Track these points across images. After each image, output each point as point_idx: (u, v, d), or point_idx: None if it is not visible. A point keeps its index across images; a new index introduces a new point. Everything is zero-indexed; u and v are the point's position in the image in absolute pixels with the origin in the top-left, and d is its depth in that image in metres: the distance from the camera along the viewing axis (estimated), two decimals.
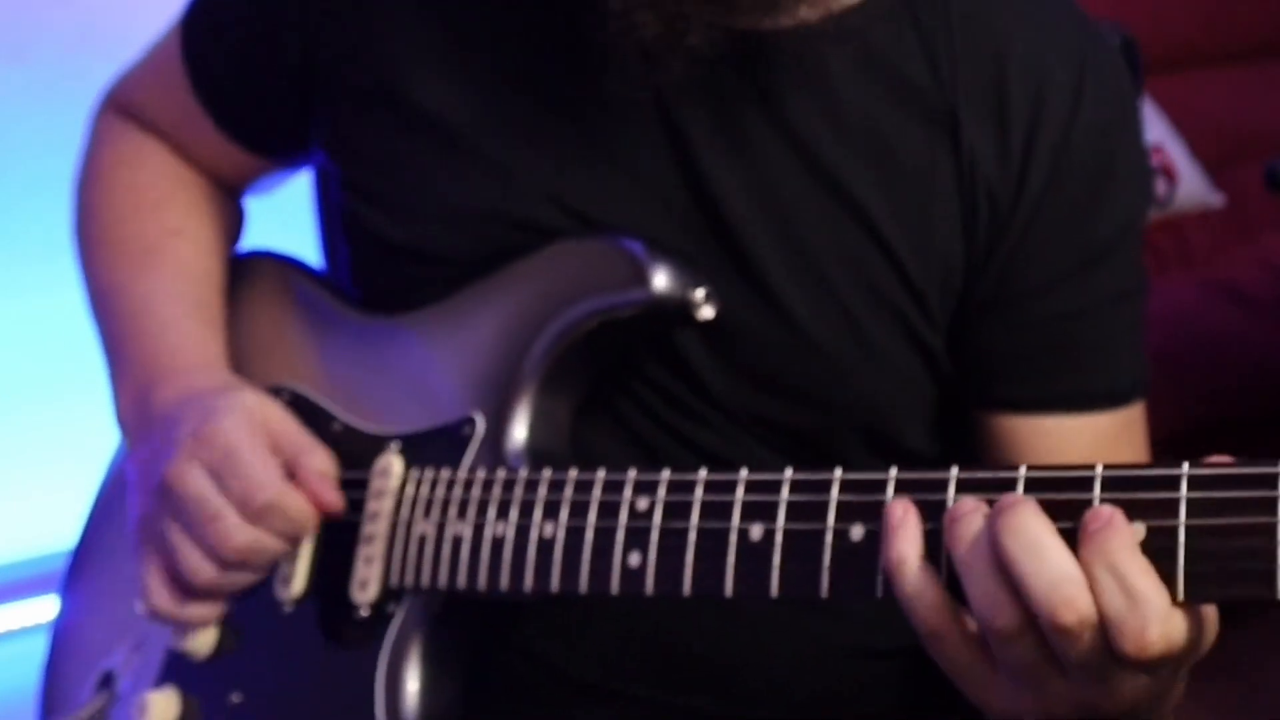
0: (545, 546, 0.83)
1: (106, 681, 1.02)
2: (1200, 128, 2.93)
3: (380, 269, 1.01)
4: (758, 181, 0.91)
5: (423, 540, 0.90)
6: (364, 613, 0.91)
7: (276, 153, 1.09)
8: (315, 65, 0.99)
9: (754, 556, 0.76)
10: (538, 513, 0.85)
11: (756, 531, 0.77)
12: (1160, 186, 2.83)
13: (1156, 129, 2.84)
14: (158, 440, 0.95)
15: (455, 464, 0.91)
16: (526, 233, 0.94)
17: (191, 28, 1.08)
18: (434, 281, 0.97)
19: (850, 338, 0.93)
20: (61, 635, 1.09)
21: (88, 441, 1.19)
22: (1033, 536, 0.68)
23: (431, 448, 0.93)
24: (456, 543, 0.88)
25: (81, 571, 1.10)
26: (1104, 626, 0.67)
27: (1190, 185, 2.86)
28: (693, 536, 0.77)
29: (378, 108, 0.97)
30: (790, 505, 0.76)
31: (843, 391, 0.94)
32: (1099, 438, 0.95)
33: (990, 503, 0.71)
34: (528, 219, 0.94)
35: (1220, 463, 0.68)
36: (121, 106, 1.15)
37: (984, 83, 0.91)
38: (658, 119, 0.91)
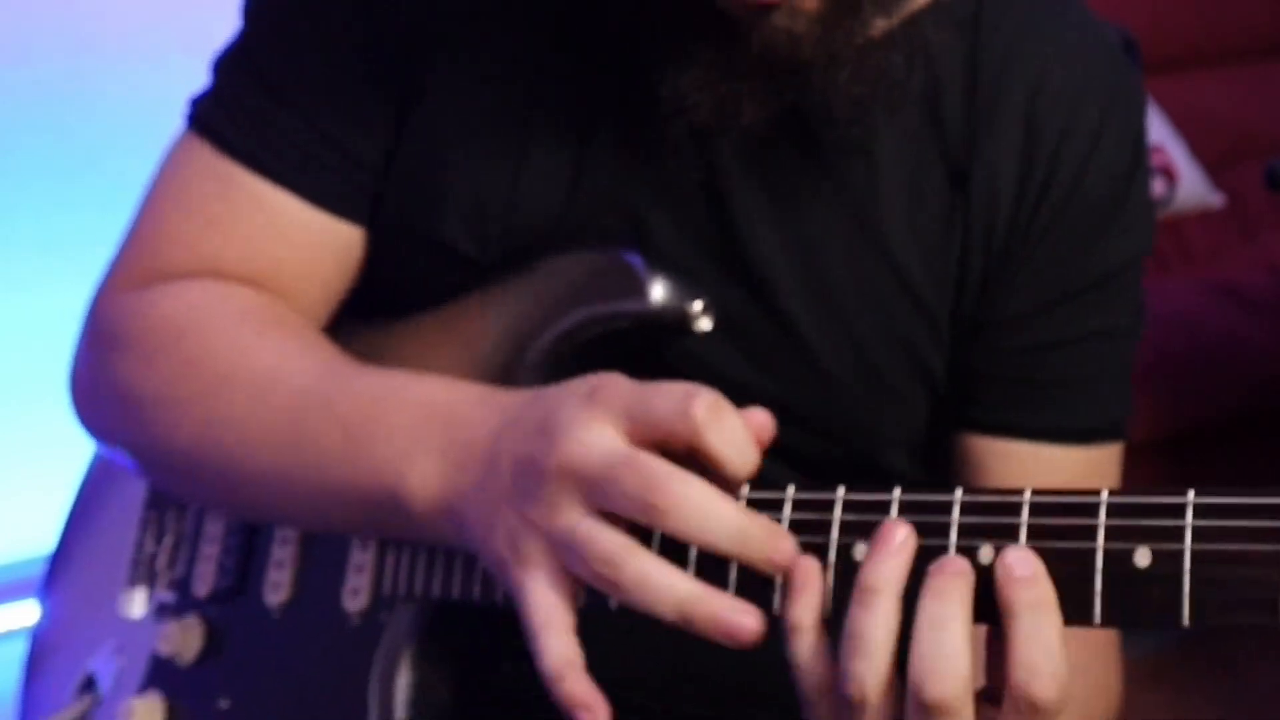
0: None
1: (88, 684, 1.01)
2: (1200, 128, 2.93)
3: (401, 268, 0.97)
4: (783, 209, 0.91)
5: (415, 548, 0.88)
6: (355, 621, 0.90)
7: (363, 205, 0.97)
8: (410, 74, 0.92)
9: (759, 573, 0.74)
10: None
11: None
12: (1160, 186, 2.82)
13: (1156, 129, 2.83)
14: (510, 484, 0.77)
15: None
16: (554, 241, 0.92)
17: (233, 109, 0.94)
18: (442, 287, 0.95)
19: (858, 368, 0.92)
20: (42, 637, 1.08)
21: (65, 446, 1.16)
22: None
23: None
24: (450, 551, 0.86)
25: (61, 572, 1.09)
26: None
27: (1190, 185, 2.86)
28: (693, 554, 0.75)
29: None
30: (793, 523, 0.74)
31: (844, 419, 0.93)
32: (1067, 473, 0.93)
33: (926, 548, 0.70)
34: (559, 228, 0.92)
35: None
36: (142, 279, 0.96)
37: (1014, 115, 0.90)
38: (690, 143, 0.90)
